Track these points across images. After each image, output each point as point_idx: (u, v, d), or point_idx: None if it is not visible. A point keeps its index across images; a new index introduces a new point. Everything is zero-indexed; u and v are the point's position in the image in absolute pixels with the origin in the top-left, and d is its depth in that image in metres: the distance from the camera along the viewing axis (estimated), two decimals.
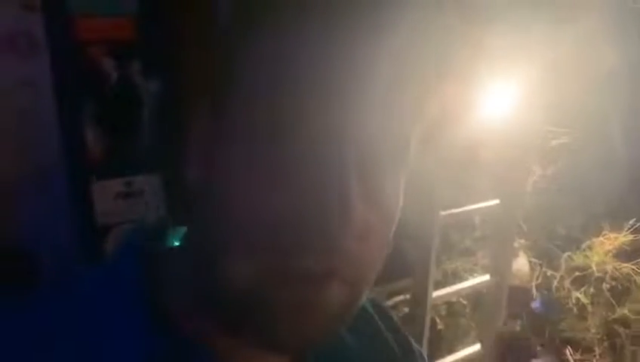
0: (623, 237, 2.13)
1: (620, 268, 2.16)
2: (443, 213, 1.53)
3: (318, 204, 0.31)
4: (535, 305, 2.21)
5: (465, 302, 2.14)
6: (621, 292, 2.19)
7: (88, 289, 0.39)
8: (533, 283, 2.20)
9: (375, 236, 0.34)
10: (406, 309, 1.86)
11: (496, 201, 1.68)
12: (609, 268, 2.16)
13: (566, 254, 2.21)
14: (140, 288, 0.38)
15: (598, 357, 2.17)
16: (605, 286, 2.18)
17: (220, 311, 0.36)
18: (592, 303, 2.17)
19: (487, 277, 1.75)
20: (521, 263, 2.21)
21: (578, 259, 2.19)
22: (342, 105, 0.31)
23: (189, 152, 0.36)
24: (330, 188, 0.31)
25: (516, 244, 2.16)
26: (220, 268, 0.34)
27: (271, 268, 0.32)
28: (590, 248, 2.19)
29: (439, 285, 1.75)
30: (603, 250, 2.16)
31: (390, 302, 2.06)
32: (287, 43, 0.31)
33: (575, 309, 2.18)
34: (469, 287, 1.74)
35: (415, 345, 0.56)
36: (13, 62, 0.72)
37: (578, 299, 2.17)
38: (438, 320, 2.10)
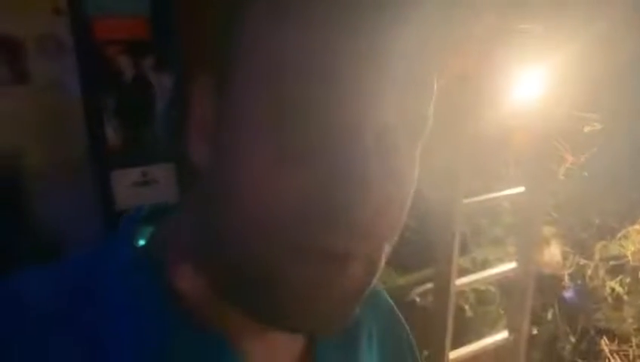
0: None
1: None
2: (466, 200, 1.53)
3: (339, 182, 0.31)
4: (567, 294, 2.17)
5: (494, 290, 2.13)
6: None
7: (88, 271, 0.38)
8: (566, 272, 2.16)
9: (392, 211, 0.35)
10: (430, 297, 1.88)
11: (521, 189, 1.67)
12: None
13: (600, 243, 2.17)
14: (144, 272, 0.37)
15: (635, 347, 2.12)
16: None
17: (236, 291, 0.35)
18: (627, 293, 2.12)
19: (513, 264, 1.74)
20: (554, 252, 2.17)
21: (613, 248, 2.14)
22: (360, 83, 0.31)
23: (193, 132, 0.35)
24: (350, 164, 0.31)
25: (547, 232, 2.13)
26: (238, 249, 0.33)
27: (291, 247, 0.32)
28: (626, 237, 2.14)
29: (468, 273, 1.75)
30: (639, 238, 2.10)
31: (416, 291, 2.08)
32: (304, 23, 0.31)
33: (610, 299, 2.14)
34: (495, 275, 1.73)
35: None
36: (44, 64, 0.79)
37: (613, 288, 2.13)
38: (466, 308, 2.10)
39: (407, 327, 0.54)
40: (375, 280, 0.36)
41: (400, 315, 0.54)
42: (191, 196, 0.39)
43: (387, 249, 0.36)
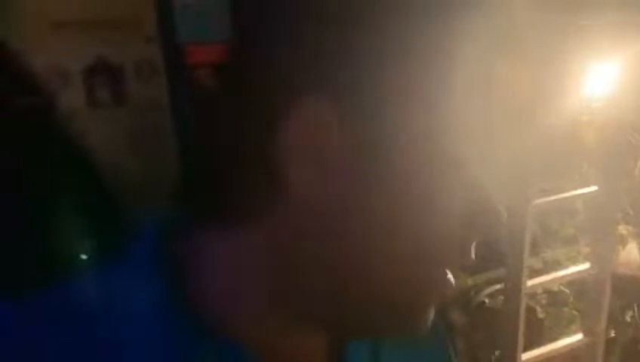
0: None
1: None
2: (537, 201, 1.52)
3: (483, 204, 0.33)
4: None
5: (567, 291, 2.08)
6: None
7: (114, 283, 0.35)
8: None
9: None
10: (501, 298, 1.86)
11: (595, 188, 1.63)
12: None
13: None
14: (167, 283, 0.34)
15: None
16: None
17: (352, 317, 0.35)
18: None
19: (587, 265, 1.69)
20: (631, 251, 2.09)
21: None
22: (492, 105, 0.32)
23: (302, 161, 0.31)
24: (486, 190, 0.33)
25: (624, 231, 2.05)
26: (382, 281, 0.33)
27: (441, 267, 0.34)
28: None
29: (539, 273, 1.73)
30: None
31: (486, 291, 2.07)
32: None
33: None
34: (569, 276, 1.70)
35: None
36: (140, 87, 0.88)
37: None
38: (538, 309, 2.06)
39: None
40: None
41: None
42: (259, 222, 0.34)
43: None
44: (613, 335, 2.00)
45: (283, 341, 0.36)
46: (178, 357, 0.33)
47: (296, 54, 0.31)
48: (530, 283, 1.58)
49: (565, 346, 1.70)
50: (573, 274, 1.69)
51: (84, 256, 0.70)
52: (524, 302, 1.58)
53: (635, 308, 2.10)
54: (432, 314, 0.36)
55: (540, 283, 1.66)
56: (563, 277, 1.69)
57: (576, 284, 1.97)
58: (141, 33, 0.91)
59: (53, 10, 0.91)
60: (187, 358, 0.33)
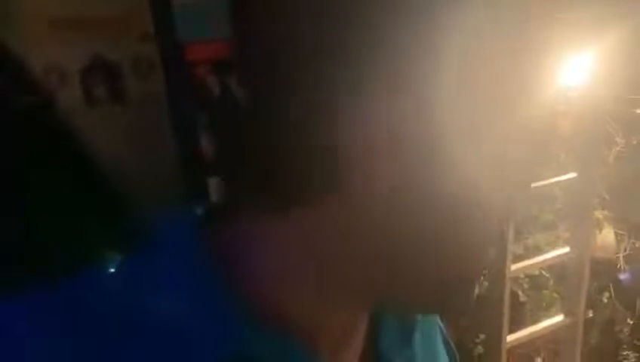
0: None
1: None
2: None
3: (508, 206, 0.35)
4: (623, 276, 2.17)
5: (547, 275, 2.16)
6: None
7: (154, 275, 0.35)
8: (620, 255, 2.16)
9: None
10: (486, 283, 1.92)
11: (574, 175, 1.69)
12: None
13: None
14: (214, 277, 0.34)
15: None
16: None
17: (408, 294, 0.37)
18: None
19: (567, 249, 1.76)
20: (607, 235, 2.17)
21: None
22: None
23: (364, 153, 0.30)
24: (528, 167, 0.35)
25: (600, 216, 2.13)
26: (411, 270, 0.35)
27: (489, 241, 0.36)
28: None
29: (521, 259, 1.79)
30: None
31: None
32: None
33: None
34: (549, 260, 1.76)
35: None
36: (138, 84, 0.89)
37: None
38: (520, 293, 2.14)
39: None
40: None
41: None
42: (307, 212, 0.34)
43: None
44: (591, 315, 2.09)
45: (328, 323, 0.37)
46: (225, 346, 0.33)
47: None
48: (513, 267, 1.64)
49: (547, 327, 1.77)
50: (554, 258, 1.75)
51: (95, 253, 0.71)
52: (508, 287, 1.64)
53: (611, 289, 2.19)
54: (474, 290, 0.39)
55: (523, 268, 1.72)
56: (544, 261, 1.75)
57: (556, 268, 2.04)
58: (137, 30, 0.92)
59: (49, 8, 0.91)
60: (234, 346, 0.33)
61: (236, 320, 0.33)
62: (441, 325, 0.53)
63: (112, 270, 0.36)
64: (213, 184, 0.89)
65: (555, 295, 2.13)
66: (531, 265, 1.73)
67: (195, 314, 0.33)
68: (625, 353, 2.13)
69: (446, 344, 0.53)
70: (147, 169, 0.92)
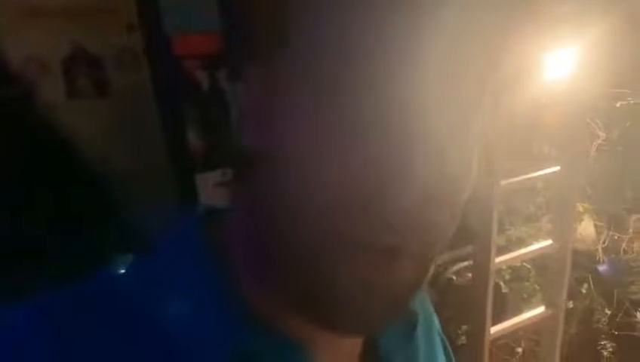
0: None
1: None
2: (504, 182, 1.58)
3: (382, 167, 0.30)
4: (602, 267, 2.21)
5: (529, 267, 2.19)
6: None
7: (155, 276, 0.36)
8: (600, 247, 2.20)
9: (444, 204, 0.32)
10: (469, 275, 1.94)
11: (557, 168, 1.71)
12: None
13: (634, 216, 2.19)
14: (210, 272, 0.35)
15: None
16: None
17: (294, 294, 0.34)
18: None
19: (549, 241, 1.78)
20: (586, 227, 2.21)
21: None
22: (416, 68, 0.30)
23: (247, 121, 0.33)
24: (394, 148, 0.30)
25: (581, 208, 2.17)
26: (290, 241, 0.32)
27: (338, 238, 0.31)
28: None
29: (503, 251, 1.80)
30: None
31: (454, 269, 2.15)
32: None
33: None
34: (532, 252, 1.78)
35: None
36: (123, 77, 0.87)
37: None
38: (502, 285, 2.16)
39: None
40: (426, 280, 0.35)
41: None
42: (244, 192, 0.36)
43: (440, 247, 0.34)
44: (571, 306, 2.12)
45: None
46: (228, 344, 0.33)
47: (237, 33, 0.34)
48: (497, 259, 1.66)
49: (530, 318, 1.79)
50: (537, 250, 1.77)
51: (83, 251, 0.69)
52: (492, 279, 1.65)
53: (590, 281, 2.23)
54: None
55: (506, 260, 1.74)
56: (528, 253, 1.77)
57: (538, 260, 2.07)
58: (121, 22, 0.89)
59: None
60: (236, 345, 0.33)
61: (237, 319, 0.34)
62: (440, 332, 0.54)
63: (122, 271, 0.37)
64: (201, 180, 0.88)
65: (536, 286, 2.16)
66: (516, 256, 1.75)
67: (200, 314, 0.34)
68: (603, 343, 2.17)
69: (444, 347, 0.53)
70: (134, 163, 0.90)
